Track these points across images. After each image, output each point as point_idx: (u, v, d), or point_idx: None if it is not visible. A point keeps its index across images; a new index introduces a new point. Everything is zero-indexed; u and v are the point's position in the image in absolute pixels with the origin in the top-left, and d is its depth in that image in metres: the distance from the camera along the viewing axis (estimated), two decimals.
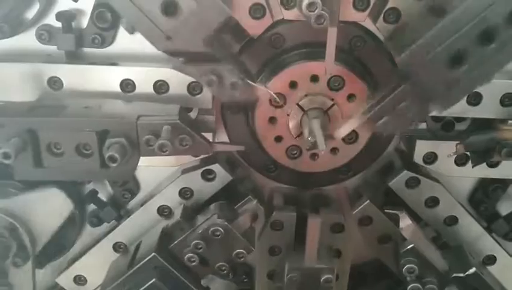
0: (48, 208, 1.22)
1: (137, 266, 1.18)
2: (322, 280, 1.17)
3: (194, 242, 1.14)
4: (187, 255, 1.16)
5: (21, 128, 1.01)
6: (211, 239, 1.15)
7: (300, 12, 0.96)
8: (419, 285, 1.17)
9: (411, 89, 0.95)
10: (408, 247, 1.17)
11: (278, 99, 1.12)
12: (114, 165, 0.98)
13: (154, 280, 1.16)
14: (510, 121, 1.12)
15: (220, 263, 1.18)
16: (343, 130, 1.03)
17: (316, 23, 0.95)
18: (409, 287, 1.18)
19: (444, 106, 0.98)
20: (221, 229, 1.14)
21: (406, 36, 0.97)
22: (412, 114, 0.97)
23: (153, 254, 1.17)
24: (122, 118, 1.04)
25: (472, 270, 1.15)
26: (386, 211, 1.21)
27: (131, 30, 1.00)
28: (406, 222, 1.14)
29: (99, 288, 1.29)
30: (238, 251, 1.17)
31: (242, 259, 1.18)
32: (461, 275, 1.16)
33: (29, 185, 1.24)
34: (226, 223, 1.14)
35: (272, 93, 1.07)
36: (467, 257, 1.20)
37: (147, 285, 1.16)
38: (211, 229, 1.14)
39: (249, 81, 1.04)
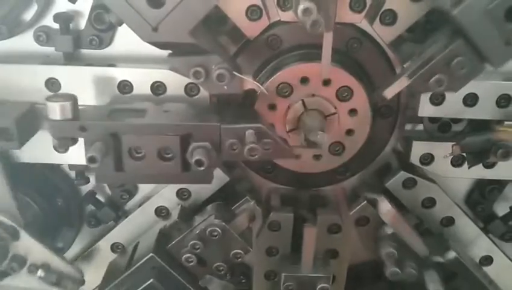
0: None
1: (135, 266, 1.19)
2: (318, 288, 1.17)
3: (191, 243, 1.15)
4: (185, 256, 1.16)
5: (104, 132, 1.01)
6: (208, 240, 1.15)
7: (296, 17, 0.96)
8: (397, 269, 1.16)
9: (466, 44, 0.94)
10: (388, 232, 1.16)
11: (265, 91, 1.11)
12: (201, 168, 0.99)
13: (151, 280, 1.17)
14: (506, 122, 1.13)
15: (218, 263, 1.19)
16: (391, 91, 1.01)
17: (311, 29, 0.95)
18: (388, 271, 1.17)
19: (498, 62, 0.96)
20: (218, 229, 1.14)
21: None
22: (467, 71, 0.96)
23: (151, 254, 1.18)
24: (206, 122, 1.05)
25: (452, 255, 1.15)
26: (365, 196, 1.21)
27: (119, 22, 1.01)
28: (385, 207, 1.13)
29: (97, 289, 1.30)
30: (235, 251, 1.18)
31: (239, 259, 1.19)
32: (441, 260, 1.16)
33: None
34: (223, 223, 1.14)
35: (259, 85, 1.07)
36: (448, 242, 1.20)
37: (144, 285, 1.17)
38: (208, 229, 1.14)
39: (235, 73, 1.03)
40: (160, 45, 1.03)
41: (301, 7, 0.93)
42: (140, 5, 0.94)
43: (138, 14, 0.94)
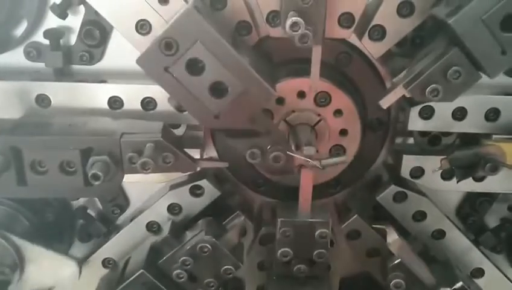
0: (53, 271, 1.24)
1: (126, 282, 1.18)
2: (316, 235, 1.14)
3: (182, 259, 1.14)
4: (175, 272, 1.16)
5: (4, 146, 1.01)
6: (199, 256, 1.14)
7: (284, 31, 0.97)
8: None
9: (462, 54, 0.94)
10: (395, 262, 1.16)
11: (317, 165, 1.09)
12: (97, 183, 0.98)
13: None
14: (494, 136, 1.14)
15: (209, 280, 1.18)
16: (387, 100, 1.02)
17: (300, 43, 0.96)
18: None
19: (494, 71, 0.96)
20: (208, 245, 1.13)
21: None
22: (463, 80, 0.96)
23: (141, 270, 1.17)
24: (106, 135, 1.04)
25: (459, 284, 1.15)
26: (373, 226, 1.22)
27: (178, 107, 1.09)
28: (392, 237, 1.14)
29: None
30: (226, 267, 1.17)
31: (230, 275, 1.18)
32: (448, 289, 1.15)
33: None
34: (213, 239, 1.14)
35: (308, 160, 1.07)
36: (454, 270, 1.20)
37: None
38: (199, 245, 1.13)
39: (290, 153, 1.06)
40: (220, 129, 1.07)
41: (289, 21, 0.94)
42: (203, 95, 0.97)
43: (201, 103, 0.98)
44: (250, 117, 1.01)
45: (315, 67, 1.03)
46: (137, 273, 1.17)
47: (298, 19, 0.93)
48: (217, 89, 0.98)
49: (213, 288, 1.18)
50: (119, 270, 1.27)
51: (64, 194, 1.18)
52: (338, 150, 1.21)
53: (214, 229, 1.16)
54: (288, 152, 1.06)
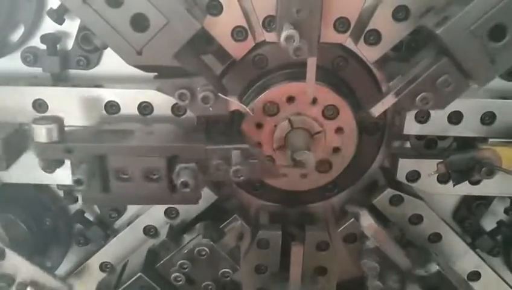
0: None
1: (124, 285, 1.19)
2: None
3: (179, 262, 1.15)
4: (173, 275, 1.17)
5: (90, 154, 1.01)
6: (196, 259, 1.15)
7: (279, 42, 0.97)
8: (379, 283, 1.16)
9: (451, 63, 0.95)
10: (370, 245, 1.17)
11: (250, 113, 1.11)
12: (186, 190, 0.99)
13: None
14: (490, 140, 1.14)
15: (206, 283, 1.19)
16: (378, 109, 1.02)
17: (294, 55, 0.96)
18: (370, 285, 1.17)
19: (483, 80, 0.97)
20: (206, 249, 1.14)
21: (441, 11, 0.96)
22: (452, 88, 0.96)
23: (139, 274, 1.18)
24: (192, 142, 1.05)
25: (435, 268, 1.14)
26: (347, 209, 1.22)
27: (103, 45, 1.01)
28: (367, 220, 1.14)
29: None
30: (223, 270, 1.18)
31: (228, 278, 1.19)
32: (423, 273, 1.15)
33: None
34: (211, 243, 1.15)
35: (244, 106, 1.07)
36: (431, 255, 1.19)
37: None
38: (197, 249, 1.14)
39: (220, 95, 1.03)
40: (145, 68, 1.03)
41: (284, 34, 0.94)
42: (124, 29, 0.94)
43: (122, 38, 0.94)
44: (175, 53, 0.96)
45: (310, 78, 1.04)
46: (135, 277, 1.18)
47: (293, 31, 0.94)
48: (139, 23, 0.94)
49: None
50: (117, 275, 1.27)
51: (147, 202, 1.18)
52: (324, 165, 1.22)
53: (212, 232, 1.17)
54: (219, 94, 1.03)
